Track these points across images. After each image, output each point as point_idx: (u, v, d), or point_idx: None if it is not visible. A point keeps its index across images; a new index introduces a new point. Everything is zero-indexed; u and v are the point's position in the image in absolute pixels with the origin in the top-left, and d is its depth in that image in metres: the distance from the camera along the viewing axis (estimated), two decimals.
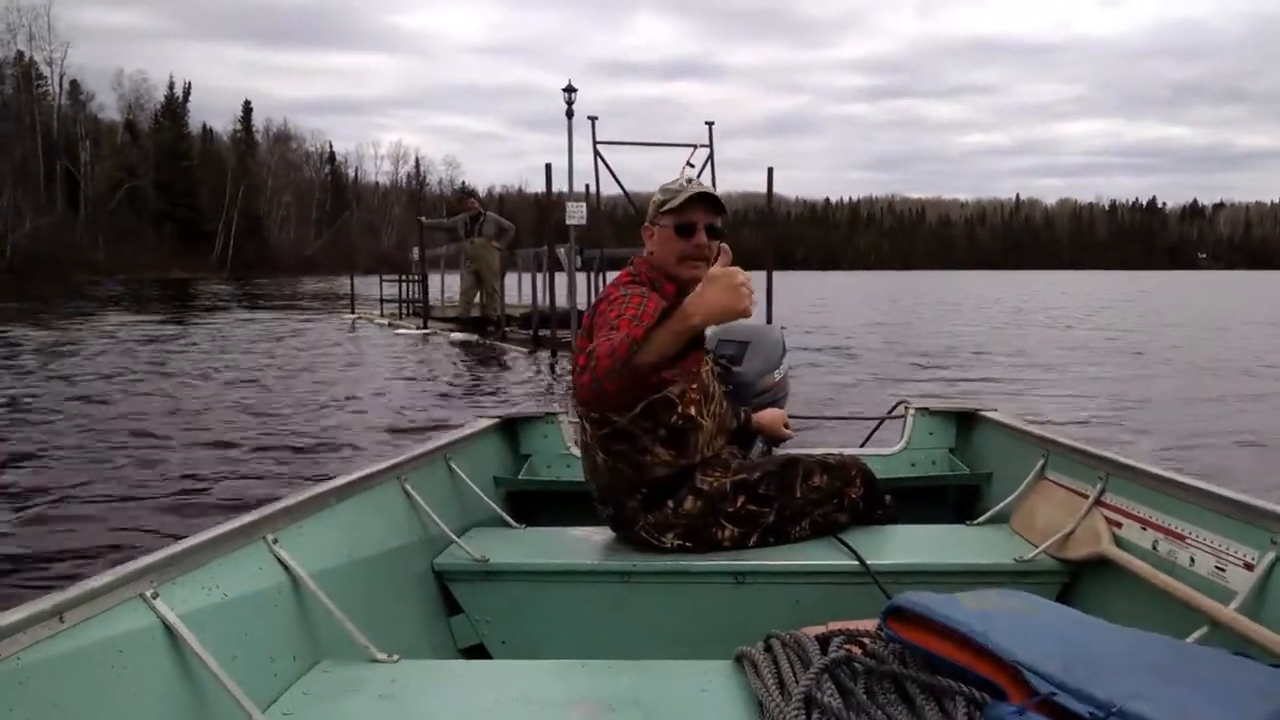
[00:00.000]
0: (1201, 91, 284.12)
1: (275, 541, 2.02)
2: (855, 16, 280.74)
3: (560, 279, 15.52)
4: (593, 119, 17.26)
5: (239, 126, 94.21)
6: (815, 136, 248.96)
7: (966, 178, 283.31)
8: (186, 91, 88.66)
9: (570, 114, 18.75)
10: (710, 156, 16.85)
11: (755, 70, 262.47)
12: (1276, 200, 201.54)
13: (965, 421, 3.69)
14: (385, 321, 20.54)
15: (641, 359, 2.01)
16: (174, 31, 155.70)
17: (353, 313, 23.92)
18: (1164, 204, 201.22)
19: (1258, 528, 1.97)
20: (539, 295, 15.89)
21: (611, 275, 16.21)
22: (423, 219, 18.78)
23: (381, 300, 23.07)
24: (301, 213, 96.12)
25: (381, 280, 23.39)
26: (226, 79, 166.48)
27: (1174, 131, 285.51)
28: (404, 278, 21.58)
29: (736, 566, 2.49)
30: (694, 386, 2.55)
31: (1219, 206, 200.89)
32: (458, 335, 16.20)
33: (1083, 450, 2.71)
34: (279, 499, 2.17)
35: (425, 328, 18.24)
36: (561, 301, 15.21)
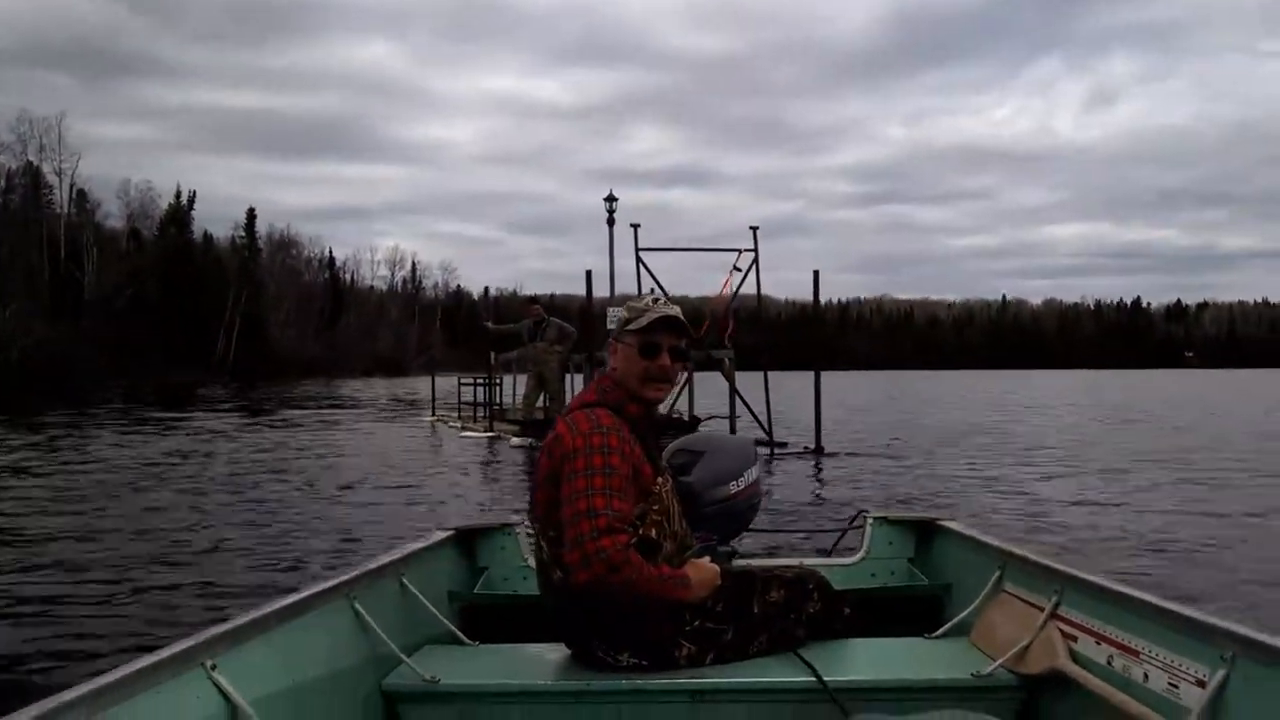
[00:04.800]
0: (1186, 195, 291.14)
1: (214, 668, 1.95)
2: (846, 126, 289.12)
3: None
4: (635, 226, 17.74)
5: (242, 233, 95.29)
6: (806, 239, 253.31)
7: (953, 279, 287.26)
8: (191, 200, 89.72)
9: (611, 221, 19.28)
10: (755, 260, 17.28)
11: (749, 178, 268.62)
12: (1259, 300, 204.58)
13: (924, 531, 3.69)
14: (459, 425, 21.07)
15: (630, 592, 2.38)
16: (182, 144, 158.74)
17: (433, 414, 24.83)
18: (1149, 304, 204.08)
19: (1209, 644, 1.99)
20: None
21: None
22: (490, 324, 19.19)
23: (460, 403, 23.68)
24: (301, 317, 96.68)
25: (459, 383, 24.10)
26: (231, 188, 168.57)
27: (1161, 234, 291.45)
28: (477, 381, 22.08)
29: (693, 685, 2.45)
30: (655, 509, 2.55)
31: (1203, 306, 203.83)
32: (516, 440, 16.51)
33: (1038, 562, 2.75)
34: (219, 622, 2.11)
35: (491, 430, 18.65)
36: None
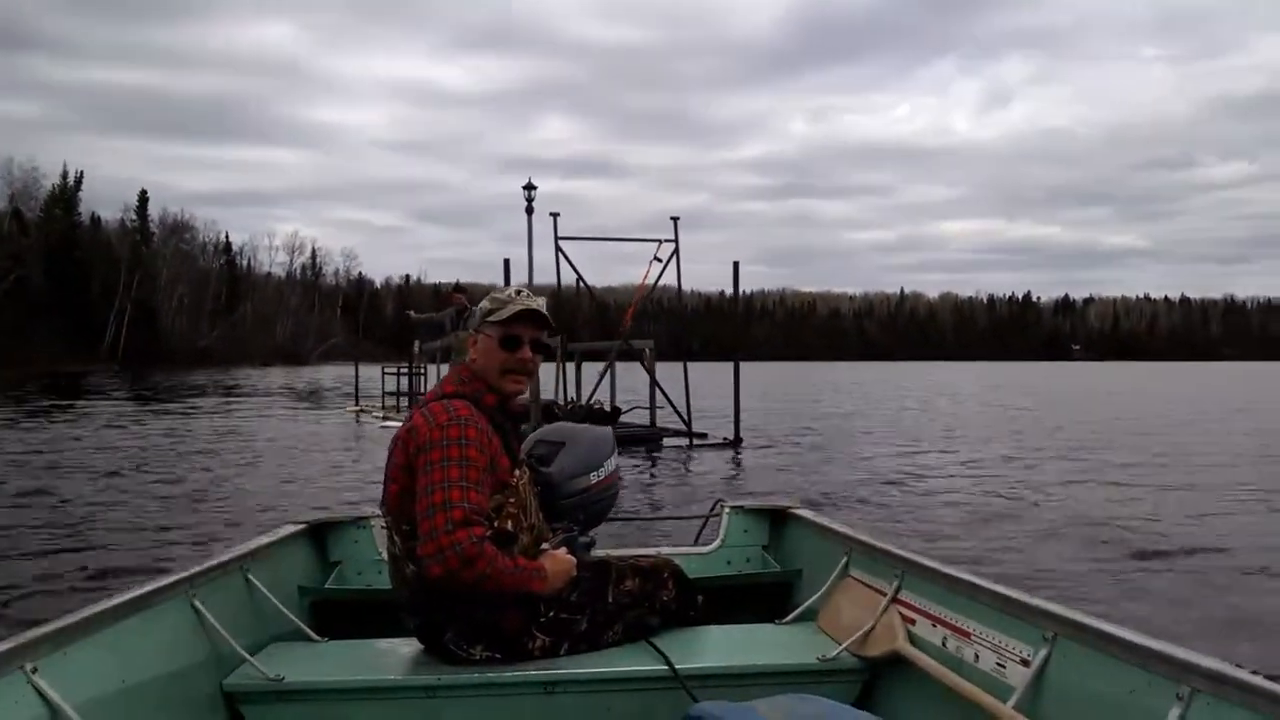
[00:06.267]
0: (1071, 194, 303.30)
1: (34, 671, 1.85)
2: (751, 121, 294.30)
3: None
4: (555, 215, 17.70)
5: (134, 216, 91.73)
6: (711, 231, 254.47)
7: (854, 272, 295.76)
8: (78, 181, 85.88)
9: (530, 210, 19.13)
10: (675, 250, 17.37)
11: (656, 169, 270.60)
12: (1141, 295, 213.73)
13: (777, 519, 3.76)
14: (381, 415, 20.82)
15: (484, 586, 2.36)
16: (69, 123, 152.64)
17: (356, 405, 24.62)
18: (1038, 298, 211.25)
19: (1032, 625, 2.11)
20: None
21: (589, 367, 16.48)
22: (411, 313, 18.88)
23: (384, 393, 23.44)
24: (196, 304, 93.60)
25: (383, 373, 23.88)
26: (120, 169, 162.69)
27: (1047, 231, 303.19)
28: (400, 371, 21.67)
29: (546, 676, 2.44)
30: (511, 501, 2.54)
31: (1089, 301, 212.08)
32: None
33: (880, 549, 2.85)
34: (41, 622, 2.01)
35: None
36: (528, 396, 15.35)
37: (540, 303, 2.65)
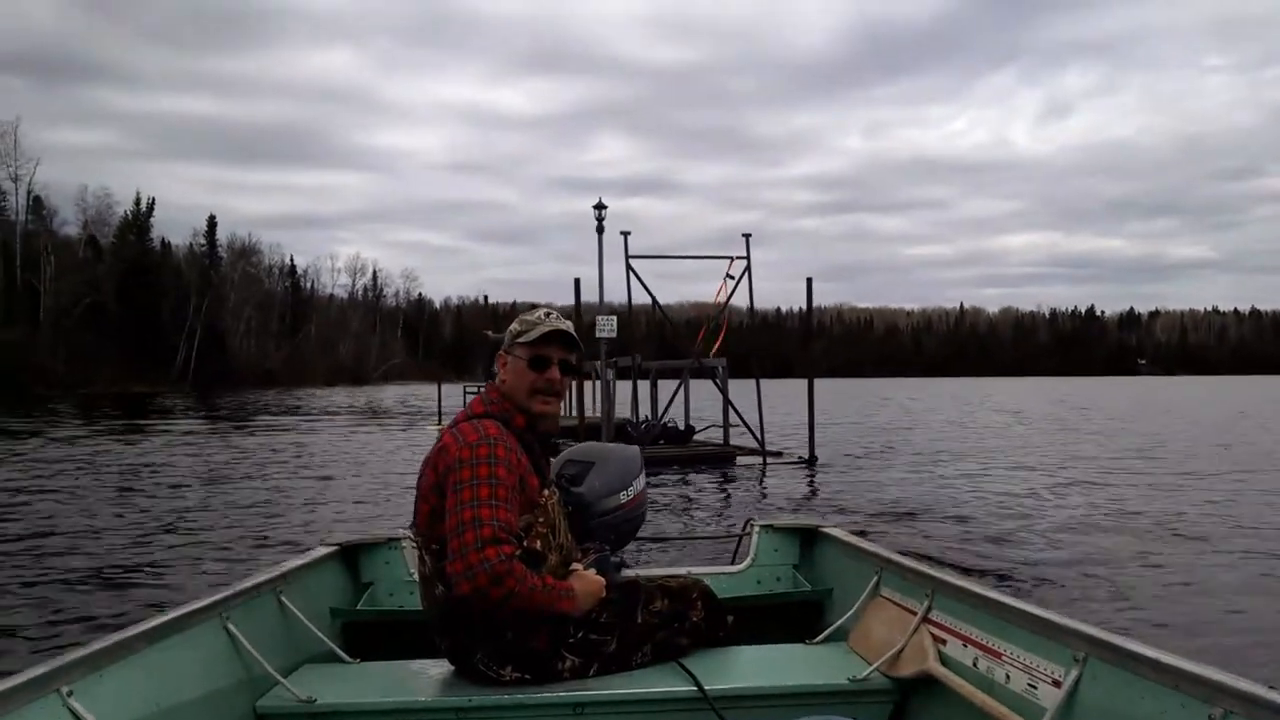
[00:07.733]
0: (1135, 206, 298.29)
1: (70, 694, 1.88)
2: (807, 137, 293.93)
3: (592, 393, 15.81)
4: (625, 234, 17.76)
5: (202, 241, 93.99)
6: (767, 248, 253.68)
7: (912, 288, 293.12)
8: (150, 207, 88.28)
9: (600, 229, 19.28)
10: (748, 267, 17.36)
11: (710, 187, 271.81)
12: (1209, 308, 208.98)
13: (808, 538, 3.75)
14: None
15: (512, 604, 2.35)
16: (141, 151, 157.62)
17: (439, 424, 25.60)
18: (1102, 311, 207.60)
19: (1063, 645, 2.08)
20: (580, 407, 16.24)
21: (664, 384, 16.47)
22: (489, 333, 19.15)
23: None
24: (262, 326, 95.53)
25: (465, 391, 24.89)
26: (189, 196, 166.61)
27: (1109, 244, 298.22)
28: (479, 390, 22.10)
29: (576, 698, 2.44)
30: (540, 521, 2.54)
31: (1154, 314, 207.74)
32: None
33: (911, 568, 2.83)
34: (76, 645, 2.04)
35: None
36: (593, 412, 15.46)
37: (569, 325, 2.67)
